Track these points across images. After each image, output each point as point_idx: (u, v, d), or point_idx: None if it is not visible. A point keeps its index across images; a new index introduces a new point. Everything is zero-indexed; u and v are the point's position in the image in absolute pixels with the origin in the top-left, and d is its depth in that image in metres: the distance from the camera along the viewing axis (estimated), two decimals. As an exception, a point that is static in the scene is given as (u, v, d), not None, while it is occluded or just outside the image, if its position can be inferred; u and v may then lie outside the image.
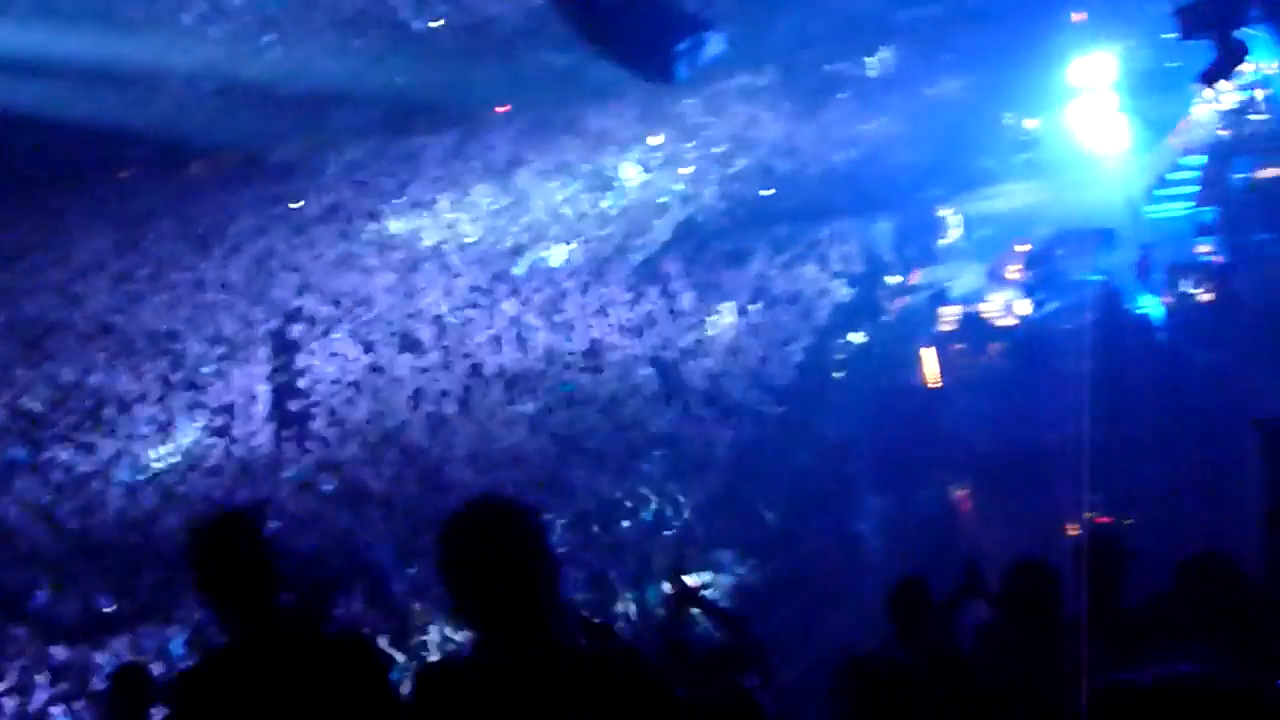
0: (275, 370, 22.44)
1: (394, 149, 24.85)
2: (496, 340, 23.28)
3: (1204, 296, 19.66)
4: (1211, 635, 5.44)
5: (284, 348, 22.86)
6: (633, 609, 17.19)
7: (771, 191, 26.43)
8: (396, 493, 19.82)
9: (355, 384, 22.59)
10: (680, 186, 26.17)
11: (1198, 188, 21.69)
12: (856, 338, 22.46)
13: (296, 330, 23.53)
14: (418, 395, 22.22)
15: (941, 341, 20.87)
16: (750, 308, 23.62)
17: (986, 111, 24.79)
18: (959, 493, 19.43)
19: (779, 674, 15.28)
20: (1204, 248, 20.70)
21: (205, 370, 23.19)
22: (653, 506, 19.42)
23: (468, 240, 25.12)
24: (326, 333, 23.55)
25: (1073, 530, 17.04)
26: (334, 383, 22.52)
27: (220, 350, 23.57)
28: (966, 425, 19.75)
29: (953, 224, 24.11)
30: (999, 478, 18.80)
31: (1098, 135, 22.48)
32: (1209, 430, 17.56)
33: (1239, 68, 15.04)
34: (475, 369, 22.62)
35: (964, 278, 22.99)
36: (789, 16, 22.94)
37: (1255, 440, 16.79)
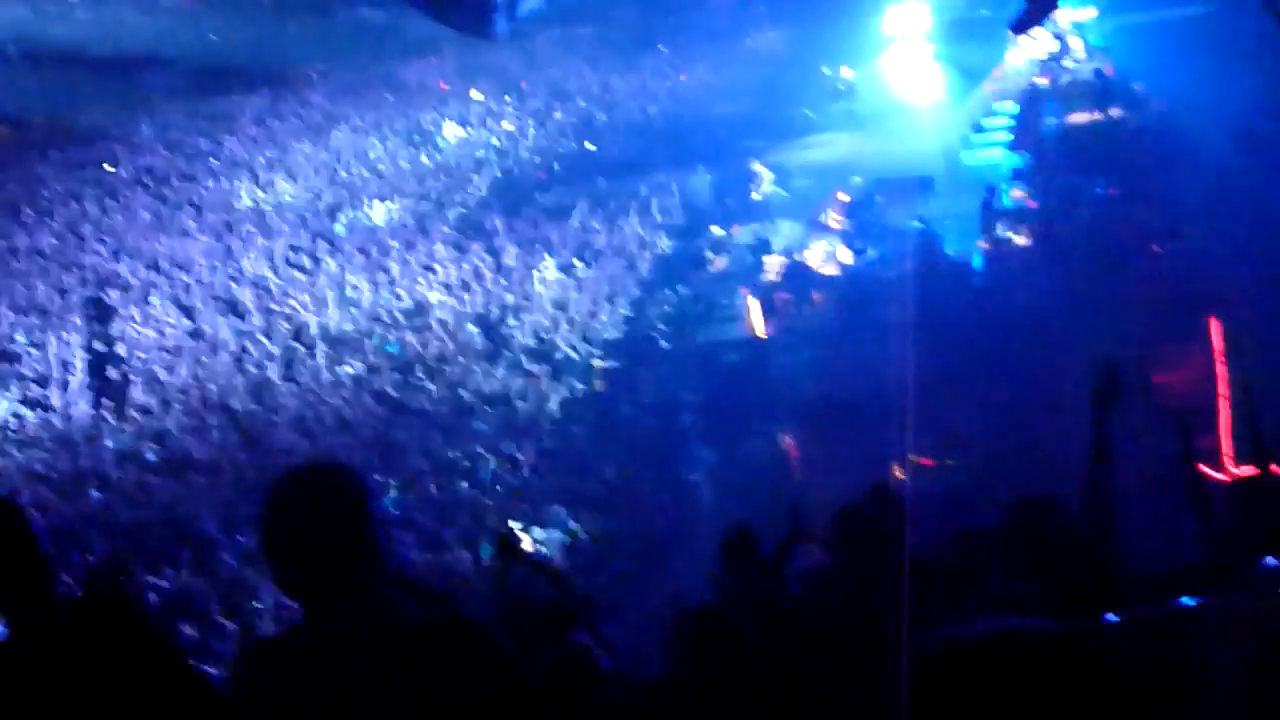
0: (92, 338, 21.92)
1: (208, 109, 24.43)
2: (319, 301, 23.00)
3: (1019, 240, 20.05)
4: (1035, 575, 5.54)
5: (101, 314, 22.34)
6: (467, 569, 17.07)
7: (592, 146, 26.42)
8: (222, 460, 19.50)
9: (176, 349, 22.19)
10: (500, 141, 26.05)
11: (1011, 134, 22.10)
12: (682, 290, 22.54)
13: (113, 296, 23.03)
14: (241, 359, 21.88)
15: (765, 291, 21.04)
16: (575, 262, 23.60)
17: (803, 63, 25.04)
18: (787, 441, 19.63)
19: (612, 628, 15.35)
20: (1018, 193, 21.10)
21: (19, 340, 22.62)
22: (486, 465, 19.33)
23: (286, 200, 24.79)
24: (144, 298, 23.09)
25: (898, 473, 17.35)
26: (154, 349, 22.09)
27: (34, 319, 23.00)
28: (792, 373, 19.96)
29: (772, 175, 24.28)
30: (825, 424, 19.02)
31: (913, 84, 22.81)
32: (1027, 371, 17.97)
33: (1049, 15, 15.37)
34: (299, 331, 22.34)
35: (786, 228, 23.21)
36: (607, -31, 22.93)
37: (1079, 380, 17.23)
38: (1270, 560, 2.78)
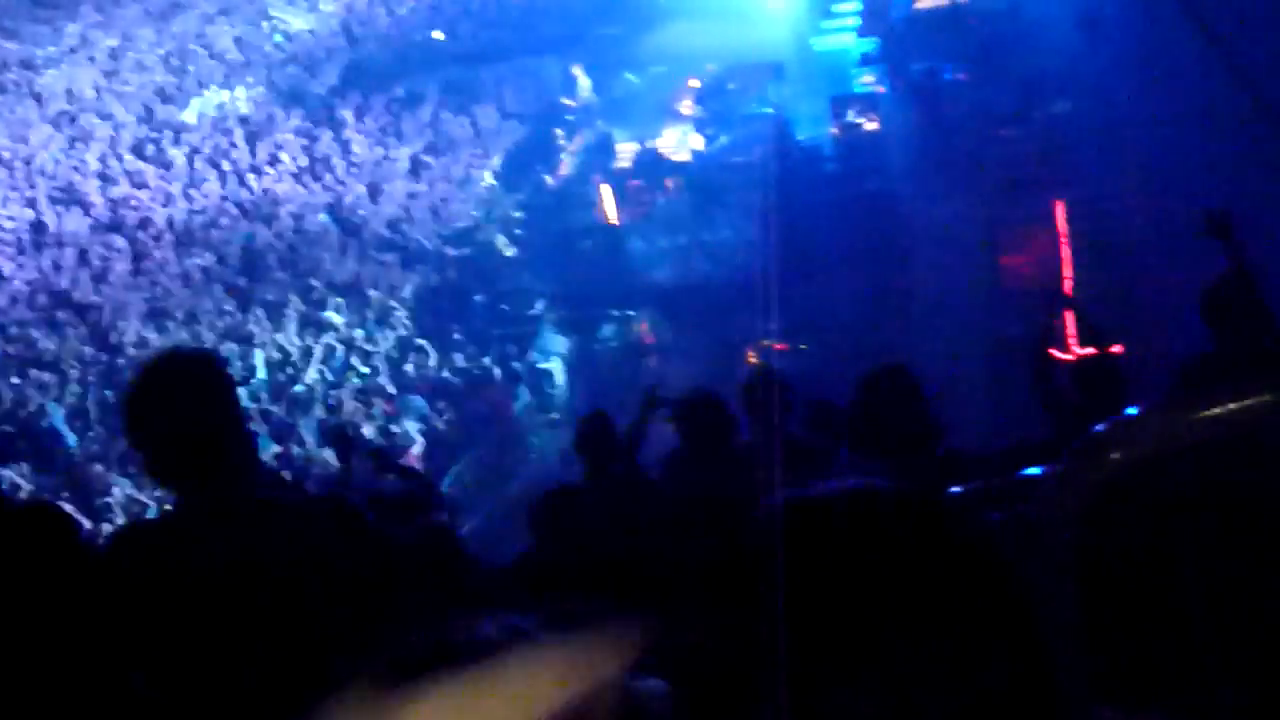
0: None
1: (47, -5, 23.75)
2: (166, 192, 22.57)
3: (870, 126, 20.20)
4: (885, 448, 5.65)
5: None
6: (320, 464, 17.02)
7: (442, 34, 26.09)
8: (70, 355, 19.18)
9: (18, 243, 21.69)
10: (349, 29, 25.63)
11: (861, 20, 22.15)
12: (535, 177, 22.45)
13: (-51, 188, 22.48)
14: (86, 253, 21.45)
15: (618, 178, 21.01)
16: (426, 152, 23.38)
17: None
18: (641, 326, 19.74)
19: (471, 511, 15.44)
20: (868, 78, 21.22)
21: None
22: (338, 355, 19.22)
23: (129, 89, 24.20)
24: (-16, 191, 22.56)
25: (751, 358, 17.55)
26: (-5, 243, 21.62)
27: None
28: (647, 260, 20.03)
29: (589, 82, 24.13)
30: (680, 310, 19.15)
31: (764, -31, 22.77)
32: (879, 254, 18.20)
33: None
34: (145, 222, 21.93)
35: (639, 114, 23.13)
36: None
37: (928, 263, 17.51)
38: (1097, 428, 2.87)
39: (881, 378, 5.88)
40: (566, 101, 24.10)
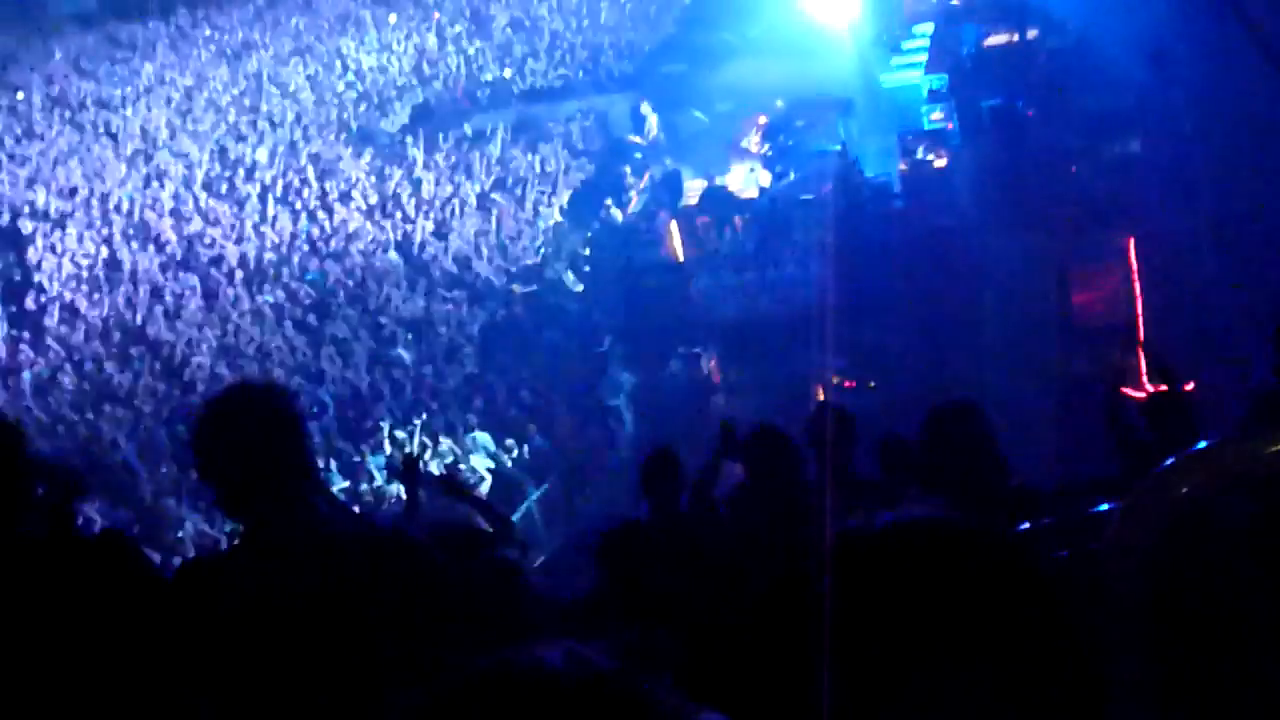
0: (6, 268, 21.65)
1: (122, 34, 24.06)
2: (238, 229, 22.80)
3: (938, 162, 20.13)
4: (954, 485, 5.63)
5: (14, 243, 22.06)
6: (391, 495, 17.10)
7: (511, 72, 26.28)
8: (142, 390, 19.36)
9: (93, 279, 21.94)
10: (418, 68, 25.86)
11: (929, 56, 22.13)
12: (603, 214, 22.52)
13: (27, 226, 22.74)
14: (160, 289, 21.67)
15: (686, 215, 21.04)
16: (495, 189, 23.52)
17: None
18: (710, 363, 19.73)
19: (540, 548, 15.44)
20: (937, 114, 21.15)
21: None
22: (407, 391, 19.31)
23: (204, 128, 24.49)
24: (60, 227, 22.79)
25: (819, 394, 17.50)
26: (71, 279, 21.83)
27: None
28: (714, 297, 20.02)
29: (658, 117, 24.21)
30: (747, 347, 19.12)
31: (830, 6, 22.77)
32: (947, 292, 18.12)
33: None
34: (217, 260, 22.14)
35: (706, 151, 23.19)
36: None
37: (998, 300, 17.39)
38: (1166, 462, 2.85)
39: (951, 415, 5.86)
40: (634, 139, 24.21)
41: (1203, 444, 2.96)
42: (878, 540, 1.65)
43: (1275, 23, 15.59)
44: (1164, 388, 8.14)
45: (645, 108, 24.17)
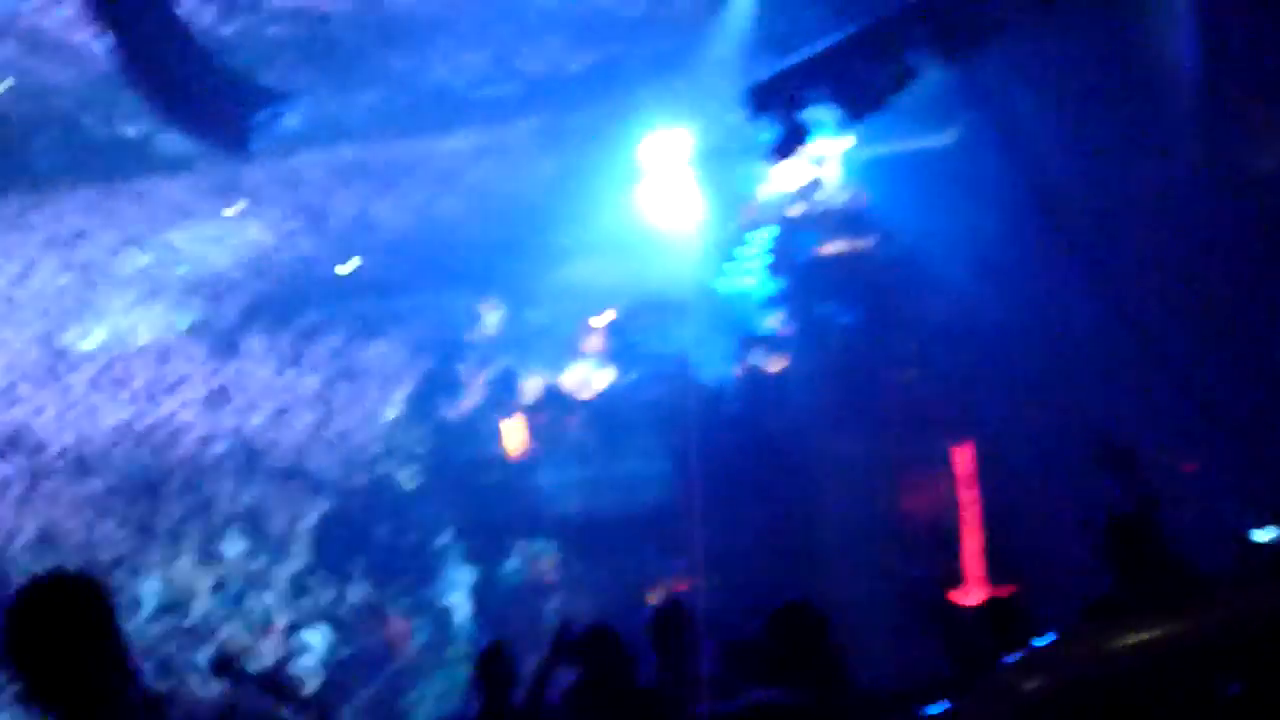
0: None
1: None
2: (62, 417, 22.30)
3: (773, 367, 20.40)
4: (794, 685, 5.62)
5: None
6: (211, 696, 16.62)
7: (349, 266, 26.24)
8: (-47, 582, 18.71)
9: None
10: (255, 260, 25.71)
11: (765, 262, 22.52)
12: (440, 410, 22.44)
13: None
14: (-23, 478, 21.09)
15: (524, 413, 21.05)
16: (331, 382, 23.34)
17: (561, 188, 25.25)
18: (547, 561, 19.61)
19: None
20: (771, 320, 21.48)
21: None
22: (233, 587, 18.90)
23: (30, 315, 24.04)
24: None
25: (652, 597, 17.46)
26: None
27: None
28: (551, 495, 19.98)
29: (499, 313, 24.32)
30: (585, 545, 19.07)
31: (669, 211, 23.11)
32: (780, 495, 18.27)
33: (805, 145, 15.81)
34: (39, 448, 21.61)
35: (545, 349, 23.27)
36: (367, 92, 22.87)
37: (831, 505, 17.58)
38: (1009, 658, 2.89)
39: (789, 614, 5.90)
40: (471, 336, 24.23)
41: (1041, 641, 2.99)
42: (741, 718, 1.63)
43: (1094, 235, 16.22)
44: (992, 593, 8.26)
45: (484, 305, 24.26)
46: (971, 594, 9.27)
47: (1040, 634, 4.93)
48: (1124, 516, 6.17)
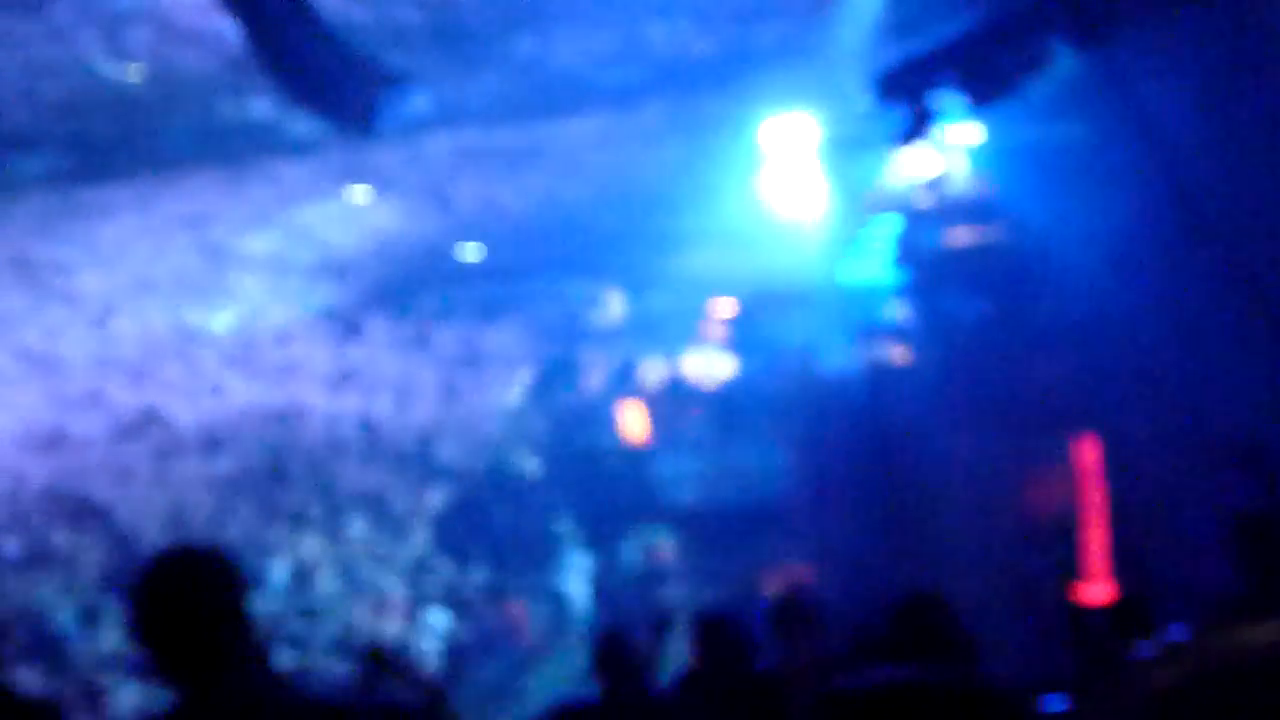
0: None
1: (84, 198, 24.00)
2: (192, 397, 22.64)
3: (898, 358, 20.21)
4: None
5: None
6: (334, 673, 16.83)
7: (473, 251, 26.39)
8: (85, 557, 19.06)
9: (42, 442, 21.71)
10: (381, 242, 25.93)
11: (891, 252, 22.32)
12: (561, 396, 22.49)
13: (-19, 387, 22.58)
14: (109, 454, 21.45)
15: (645, 401, 21.03)
16: (454, 366, 23.47)
17: (684, 175, 25.20)
18: (664, 549, 19.61)
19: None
20: (897, 311, 21.28)
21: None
22: (359, 567, 19.09)
23: (162, 293, 24.42)
24: (12, 389, 22.60)
25: (770, 586, 17.39)
26: (18, 442, 21.58)
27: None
28: (671, 483, 19.96)
29: (623, 299, 24.31)
30: (703, 534, 19.04)
31: (792, 199, 22.97)
32: (903, 488, 18.11)
33: (932, 132, 15.63)
34: (169, 427, 21.95)
35: (667, 336, 23.24)
36: (492, 76, 22.96)
37: (955, 498, 17.40)
38: (1143, 651, 2.81)
39: (917, 604, 5.82)
40: (593, 323, 24.26)
41: (1172, 637, 2.90)
42: (873, 695, 1.57)
43: (1233, 232, 15.85)
44: (1121, 591, 8.10)
45: (607, 292, 24.27)
46: (1096, 591, 9.09)
47: (1168, 631, 4.83)
48: (1256, 514, 5.99)
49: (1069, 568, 7.99)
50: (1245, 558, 5.70)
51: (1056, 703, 4.91)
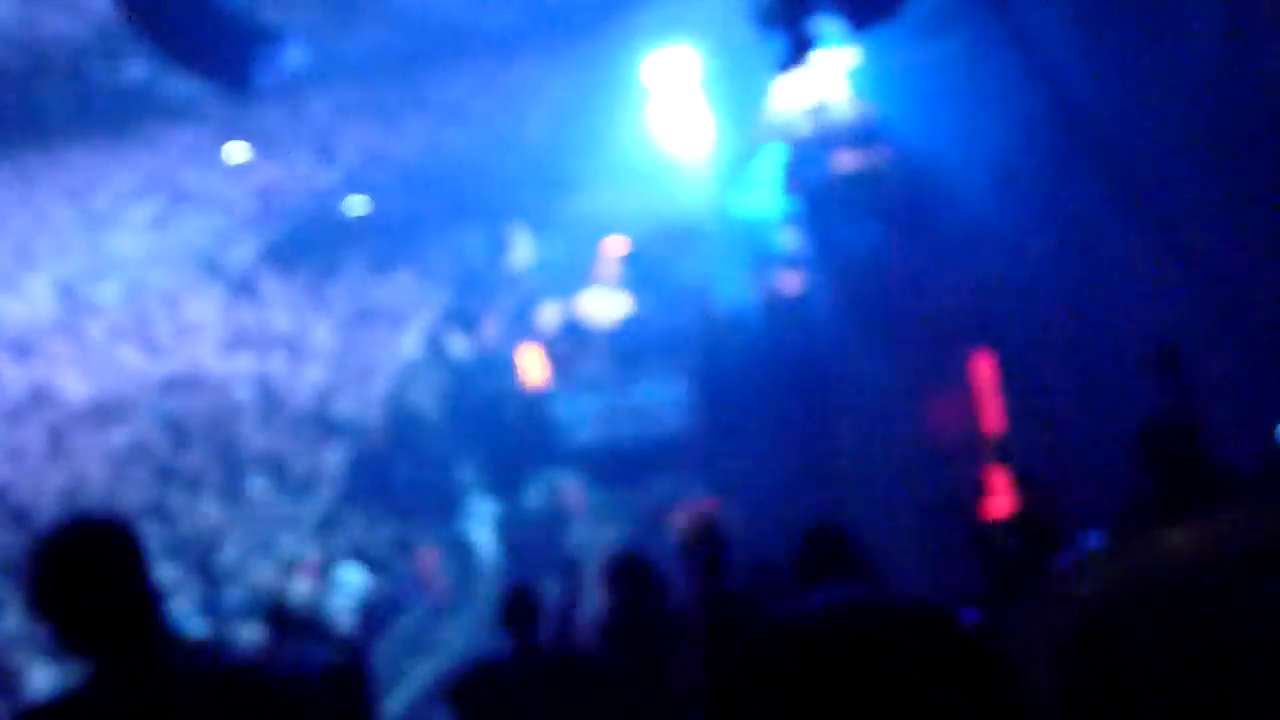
0: None
1: (-40, 175, 23.57)
2: (84, 368, 22.29)
3: (793, 287, 20.27)
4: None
5: None
6: (244, 635, 16.71)
7: (363, 201, 26.14)
8: (-15, 537, 18.77)
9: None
10: (267, 200, 25.62)
11: (780, 181, 22.35)
12: (457, 343, 22.36)
13: None
14: (1, 432, 21.10)
15: (543, 344, 20.96)
16: (348, 321, 23.27)
17: (570, 117, 25.08)
18: (569, 490, 19.61)
19: (400, 686, 15.13)
20: (789, 239, 21.33)
21: None
22: (261, 528, 18.93)
23: (46, 266, 24.02)
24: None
25: (680, 518, 17.43)
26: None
27: None
28: (572, 424, 19.93)
29: (530, 239, 24.17)
30: (607, 473, 19.05)
31: (679, 134, 22.94)
32: (799, 413, 18.22)
33: (809, 55, 15.62)
34: (62, 400, 21.62)
35: (563, 278, 23.16)
36: (372, 29, 22.68)
37: (855, 422, 17.49)
38: (1061, 563, 2.84)
39: (822, 533, 5.84)
40: (497, 267, 24.12)
41: (1091, 544, 2.93)
42: (821, 616, 1.57)
43: (1115, 145, 16.01)
44: (1024, 503, 8.17)
45: (516, 231, 24.08)
46: (1001, 505, 9.18)
47: (1084, 540, 4.88)
48: (1164, 420, 6.05)
49: (972, 484, 8.07)
50: (1157, 464, 5.77)
51: (971, 616, 4.94)
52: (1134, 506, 5.77)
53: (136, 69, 19.82)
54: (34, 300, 23.92)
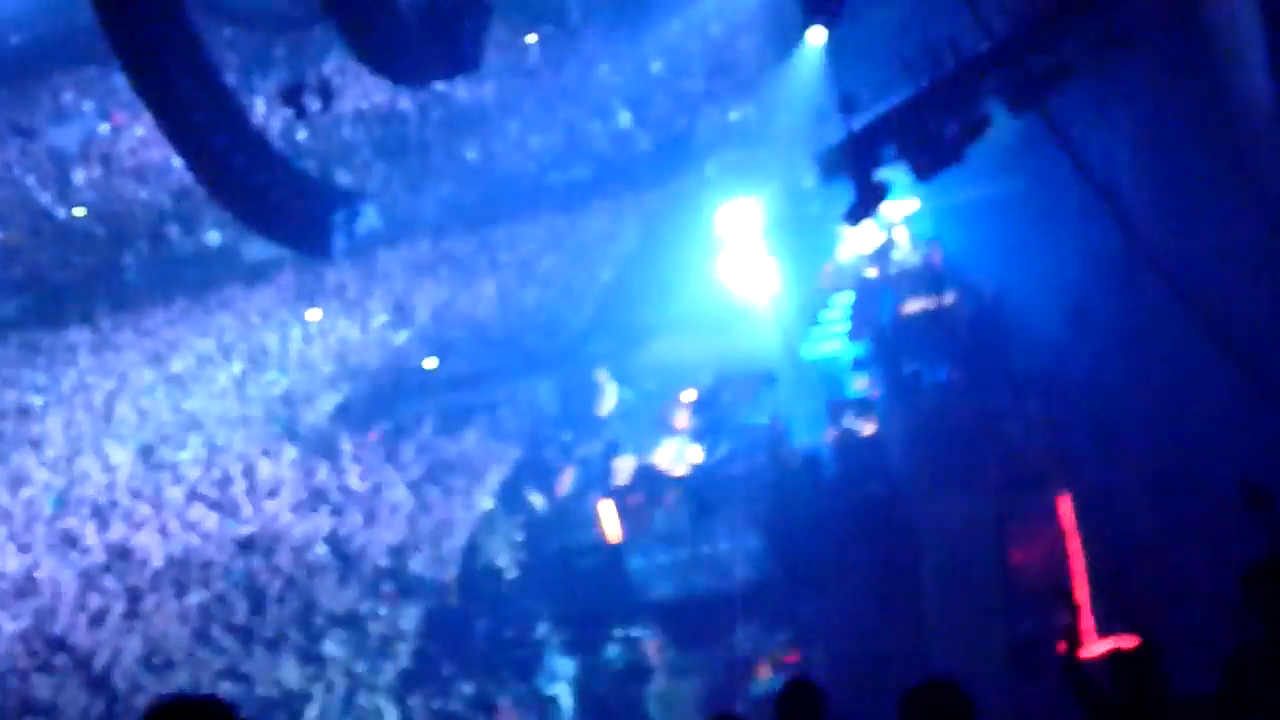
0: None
1: (44, 340, 23.99)
2: (162, 531, 22.42)
3: (866, 429, 20.16)
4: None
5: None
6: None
7: (435, 360, 26.32)
8: (65, 701, 18.77)
9: (14, 590, 21.44)
10: (343, 361, 25.87)
11: (849, 326, 22.38)
12: (533, 499, 22.32)
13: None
14: (83, 595, 21.19)
15: (618, 495, 20.86)
16: (423, 478, 23.30)
17: (640, 267, 25.27)
18: (649, 644, 19.41)
19: None
20: (861, 383, 21.28)
21: None
22: (340, 689, 18.83)
23: (127, 431, 24.30)
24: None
25: (762, 671, 17.21)
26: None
27: None
28: (649, 576, 19.78)
29: (616, 385, 24.21)
30: (685, 625, 18.85)
31: (748, 281, 23.03)
32: (882, 559, 17.99)
33: (879, 206, 15.67)
34: (141, 562, 21.72)
35: (634, 429, 23.12)
36: (441, 186, 23.03)
37: (934, 567, 17.25)
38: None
39: (930, 692, 5.65)
40: (561, 421, 24.13)
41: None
42: None
43: (1190, 276, 15.88)
44: (1119, 644, 8.01)
45: (602, 377, 24.09)
46: (1094, 648, 9.00)
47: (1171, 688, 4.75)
48: (1271, 558, 5.89)
49: (1060, 628, 7.92)
50: (1261, 604, 5.61)
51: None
52: (1243, 648, 5.63)
53: (216, 234, 20.18)
54: (115, 463, 24.16)
